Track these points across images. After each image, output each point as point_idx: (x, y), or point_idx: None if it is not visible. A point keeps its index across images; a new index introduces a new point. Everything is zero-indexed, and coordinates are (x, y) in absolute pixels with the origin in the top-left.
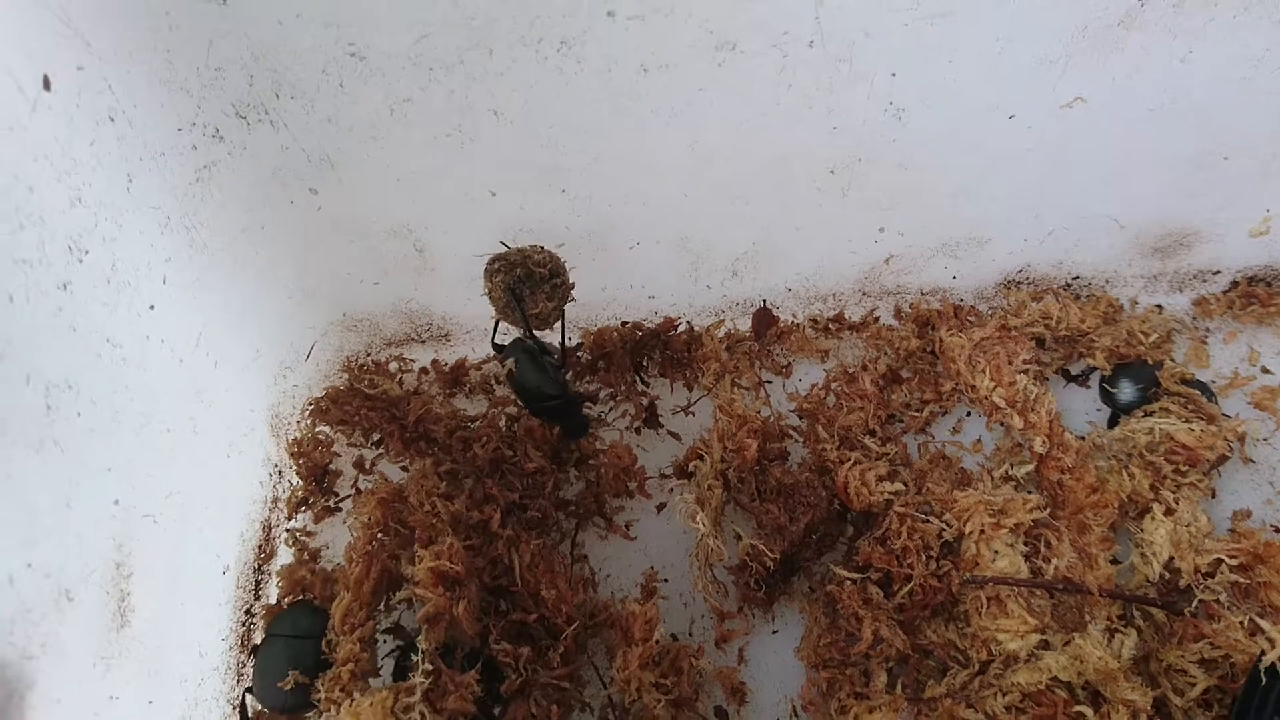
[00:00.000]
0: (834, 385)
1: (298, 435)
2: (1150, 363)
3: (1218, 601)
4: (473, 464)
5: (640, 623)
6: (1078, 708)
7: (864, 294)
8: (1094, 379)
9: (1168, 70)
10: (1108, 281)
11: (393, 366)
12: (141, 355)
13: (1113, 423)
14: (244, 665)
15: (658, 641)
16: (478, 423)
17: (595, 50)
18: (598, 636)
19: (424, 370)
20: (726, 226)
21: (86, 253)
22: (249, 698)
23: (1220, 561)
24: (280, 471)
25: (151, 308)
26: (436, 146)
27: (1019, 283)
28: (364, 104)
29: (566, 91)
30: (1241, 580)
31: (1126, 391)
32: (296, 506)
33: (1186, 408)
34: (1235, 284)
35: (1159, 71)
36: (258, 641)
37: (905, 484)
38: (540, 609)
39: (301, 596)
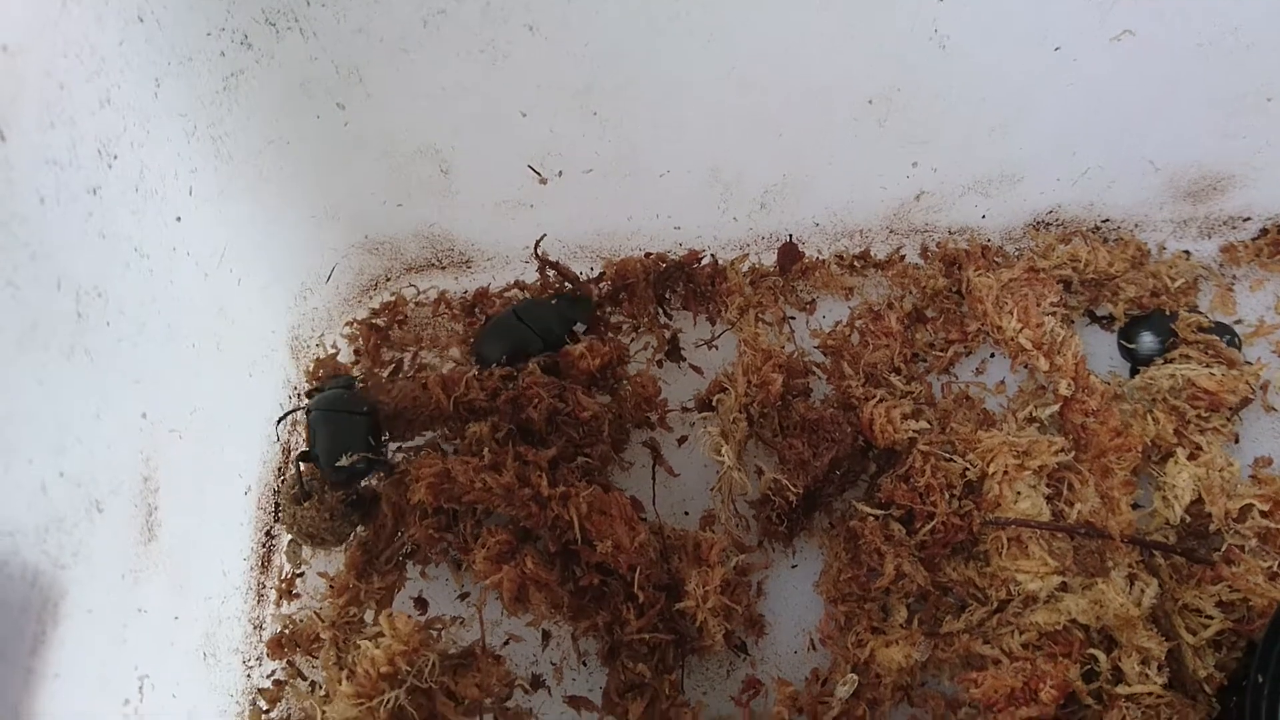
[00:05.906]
0: (859, 322)
1: (318, 355)
2: (1167, 313)
3: (1240, 548)
4: (529, 425)
5: (717, 549)
6: (1090, 650)
7: (891, 231)
8: (1115, 329)
9: (1219, 3)
10: (1137, 225)
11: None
12: (168, 267)
13: (1133, 375)
14: (264, 585)
15: (734, 568)
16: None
17: None
18: (668, 564)
19: (438, 302)
20: (759, 157)
21: (116, 157)
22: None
23: (1251, 506)
24: (300, 395)
25: (178, 219)
26: (469, 62)
27: (1048, 224)
28: (397, 13)
29: (605, 6)
30: (1273, 526)
31: (1146, 343)
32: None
33: (1207, 353)
34: (1264, 231)
35: (1210, 4)
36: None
37: (930, 422)
38: (605, 556)
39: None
